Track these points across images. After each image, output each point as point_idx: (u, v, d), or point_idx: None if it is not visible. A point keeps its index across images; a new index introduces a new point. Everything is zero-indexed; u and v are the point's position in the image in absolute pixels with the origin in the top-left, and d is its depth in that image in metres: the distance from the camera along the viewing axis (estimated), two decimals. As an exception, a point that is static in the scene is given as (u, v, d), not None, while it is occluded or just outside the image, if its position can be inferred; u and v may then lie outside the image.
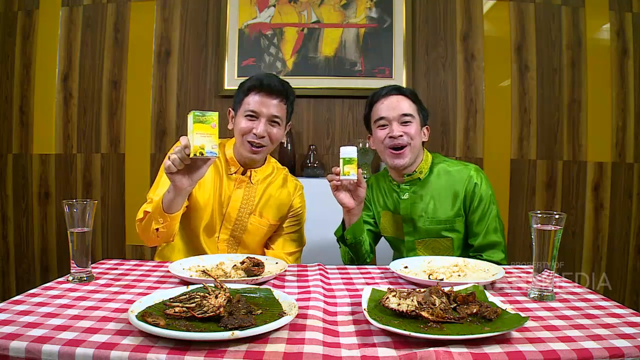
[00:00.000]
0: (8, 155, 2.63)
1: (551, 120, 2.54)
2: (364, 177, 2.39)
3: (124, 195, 2.58)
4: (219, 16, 2.54)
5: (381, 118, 1.50)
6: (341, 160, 1.32)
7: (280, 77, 1.49)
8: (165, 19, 2.56)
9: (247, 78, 1.49)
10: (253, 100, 1.43)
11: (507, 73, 2.54)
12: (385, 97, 1.52)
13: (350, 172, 1.32)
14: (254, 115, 1.42)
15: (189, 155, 1.08)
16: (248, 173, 1.50)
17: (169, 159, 1.13)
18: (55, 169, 2.61)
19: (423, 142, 1.56)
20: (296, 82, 2.57)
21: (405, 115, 1.48)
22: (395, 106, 1.49)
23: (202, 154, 1.06)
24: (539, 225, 0.98)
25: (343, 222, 1.50)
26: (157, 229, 1.26)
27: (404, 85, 2.50)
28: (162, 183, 1.37)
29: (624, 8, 2.52)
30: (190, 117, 1.08)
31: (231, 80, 2.51)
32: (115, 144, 2.59)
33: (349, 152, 1.32)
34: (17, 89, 2.60)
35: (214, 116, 1.08)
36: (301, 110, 2.55)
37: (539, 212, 0.98)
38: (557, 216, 0.97)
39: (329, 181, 1.39)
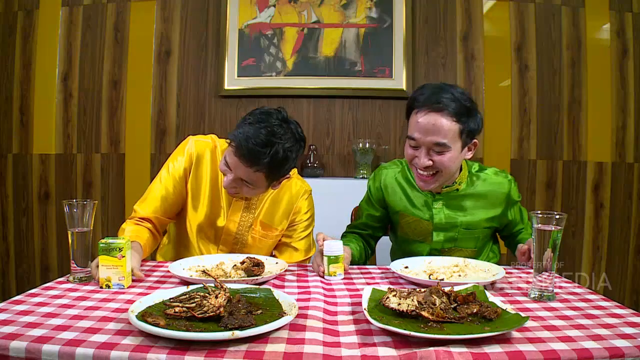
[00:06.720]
0: (8, 155, 2.63)
1: (551, 120, 2.54)
2: (364, 177, 2.41)
3: (124, 195, 2.58)
4: (219, 16, 2.53)
5: (412, 138, 1.28)
6: (325, 259, 1.14)
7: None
8: (165, 19, 2.56)
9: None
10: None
11: (507, 73, 2.54)
12: (425, 111, 1.25)
13: (336, 272, 1.14)
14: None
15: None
16: None
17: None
18: (55, 169, 2.61)
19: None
20: (296, 82, 2.59)
21: (439, 144, 1.24)
22: (430, 130, 1.23)
23: (109, 287, 1.00)
24: (539, 225, 0.98)
25: None
26: None
27: (403, 85, 2.49)
28: (152, 195, 1.35)
29: (624, 8, 2.52)
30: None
31: (231, 81, 2.49)
32: (115, 144, 2.59)
33: (334, 249, 1.14)
34: (17, 89, 2.60)
35: (121, 244, 0.99)
36: (301, 110, 2.55)
37: (539, 212, 0.98)
38: (557, 216, 0.97)
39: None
